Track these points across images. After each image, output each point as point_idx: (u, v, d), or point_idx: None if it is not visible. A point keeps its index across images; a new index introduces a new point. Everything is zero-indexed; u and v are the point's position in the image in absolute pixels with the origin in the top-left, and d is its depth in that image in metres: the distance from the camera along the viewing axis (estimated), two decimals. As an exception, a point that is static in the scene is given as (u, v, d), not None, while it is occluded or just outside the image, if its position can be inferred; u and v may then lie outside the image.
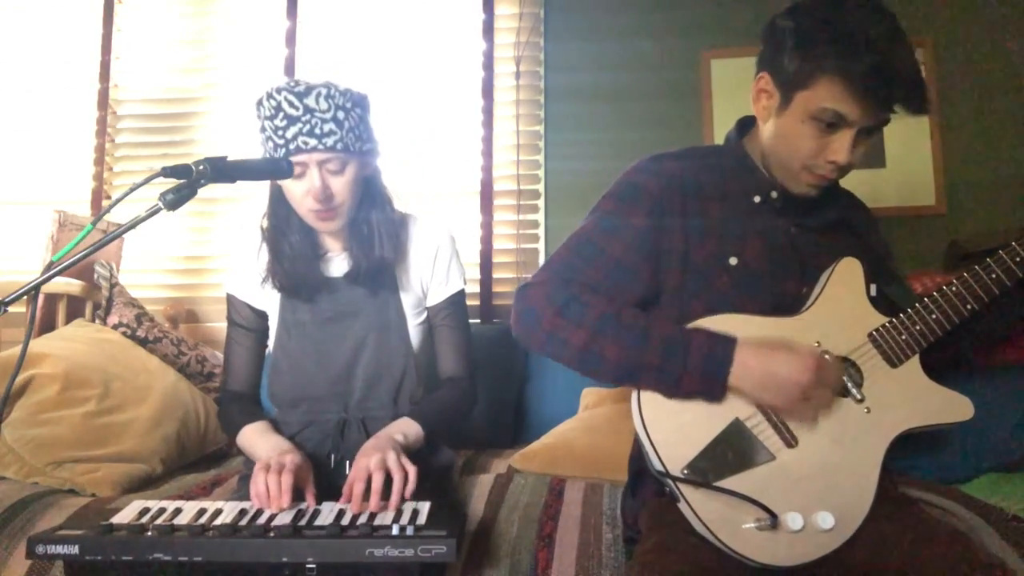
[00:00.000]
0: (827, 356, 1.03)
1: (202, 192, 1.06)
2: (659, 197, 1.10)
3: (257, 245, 1.31)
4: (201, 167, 1.03)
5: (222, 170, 1.06)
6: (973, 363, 1.14)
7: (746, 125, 1.19)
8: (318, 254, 1.31)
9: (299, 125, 1.14)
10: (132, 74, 2.60)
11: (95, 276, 2.03)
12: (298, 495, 1.07)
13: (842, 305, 1.08)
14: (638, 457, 1.16)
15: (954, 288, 1.06)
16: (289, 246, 1.26)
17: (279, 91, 1.15)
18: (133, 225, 1.00)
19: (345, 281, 1.30)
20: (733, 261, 1.09)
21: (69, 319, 2.04)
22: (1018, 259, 1.05)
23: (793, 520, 0.94)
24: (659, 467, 0.98)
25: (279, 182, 1.23)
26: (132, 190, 1.01)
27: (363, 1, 2.55)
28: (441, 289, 1.36)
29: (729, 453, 0.99)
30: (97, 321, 1.98)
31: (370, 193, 1.28)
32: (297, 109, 1.14)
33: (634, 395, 1.03)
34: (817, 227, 1.14)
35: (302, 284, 1.27)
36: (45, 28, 2.63)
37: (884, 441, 1.02)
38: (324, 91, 1.15)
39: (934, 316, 1.06)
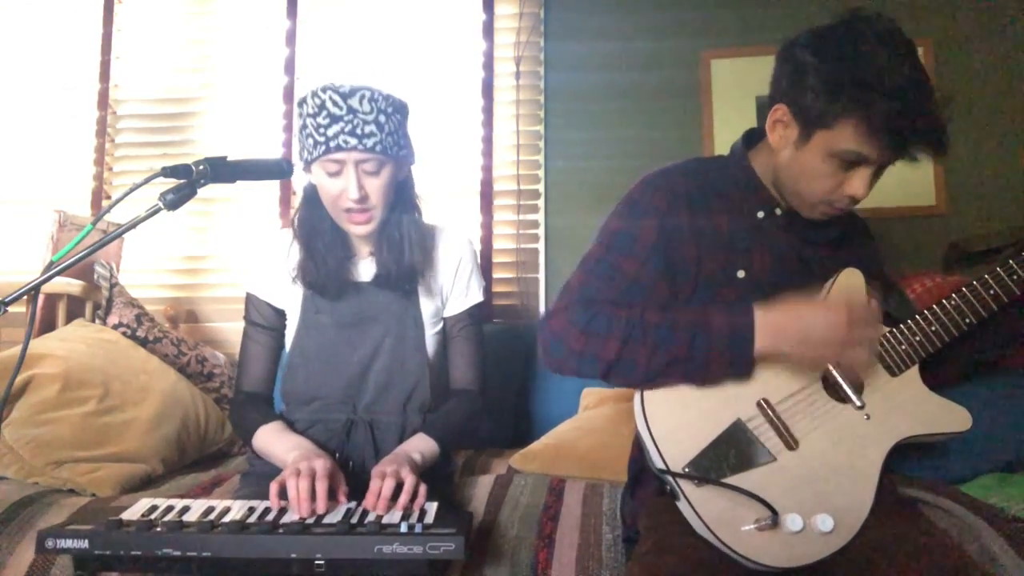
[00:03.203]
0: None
1: (202, 192, 1.06)
2: (667, 212, 1.10)
3: (287, 243, 1.32)
4: (201, 167, 1.04)
5: (222, 170, 1.06)
6: (974, 375, 1.16)
7: (752, 137, 1.18)
8: (348, 255, 1.32)
9: (341, 124, 1.15)
10: (132, 74, 2.60)
11: (95, 276, 2.03)
12: (329, 494, 1.07)
13: None
14: (638, 458, 1.16)
15: (953, 302, 1.09)
16: (322, 244, 1.28)
17: (324, 90, 1.17)
18: (133, 225, 1.00)
19: (370, 286, 1.31)
20: (741, 274, 1.09)
21: (69, 319, 2.04)
22: (1015, 277, 1.07)
23: (793, 521, 0.94)
24: (660, 464, 0.98)
25: (313, 182, 1.25)
26: (132, 190, 1.01)
27: (363, 1, 2.55)
28: (461, 300, 1.37)
29: (730, 453, 0.99)
30: (97, 321, 1.98)
31: (402, 198, 1.30)
32: (341, 109, 1.16)
33: (637, 393, 1.04)
34: (820, 242, 1.15)
35: (331, 282, 1.28)
36: (45, 28, 2.63)
37: (883, 448, 1.03)
38: (368, 94, 1.17)
39: (933, 328, 1.08)
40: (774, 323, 0.98)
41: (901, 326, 1.08)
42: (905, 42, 0.97)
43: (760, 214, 1.13)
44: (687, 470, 0.97)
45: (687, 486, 0.97)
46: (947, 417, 1.07)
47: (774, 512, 0.94)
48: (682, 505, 0.97)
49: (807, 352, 0.98)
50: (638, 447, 1.15)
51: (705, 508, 0.96)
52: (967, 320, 1.08)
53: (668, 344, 0.99)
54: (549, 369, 1.08)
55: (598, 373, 1.03)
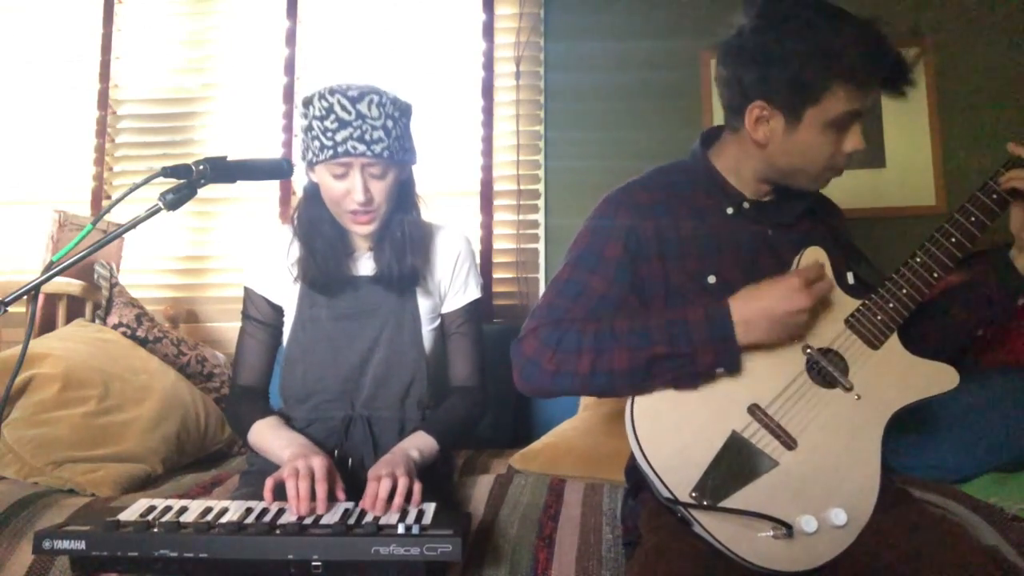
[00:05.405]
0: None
1: (202, 192, 1.06)
2: (633, 227, 1.10)
3: (287, 240, 1.32)
4: (201, 167, 1.04)
5: (222, 170, 1.06)
6: (960, 359, 1.16)
7: (710, 137, 1.19)
8: (348, 252, 1.32)
9: (350, 130, 1.16)
10: (132, 74, 2.60)
11: (95, 276, 2.03)
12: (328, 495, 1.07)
13: None
14: (634, 468, 1.16)
15: (919, 259, 1.07)
16: (323, 242, 1.28)
17: (332, 93, 1.17)
18: (133, 225, 1.00)
19: (368, 280, 1.31)
20: (712, 280, 1.09)
21: (69, 319, 2.04)
22: (973, 219, 1.06)
23: (807, 523, 0.94)
24: (667, 494, 0.98)
25: (315, 182, 1.25)
26: (132, 190, 1.01)
27: (363, 1, 2.55)
28: (458, 297, 1.37)
29: (733, 467, 0.98)
30: (97, 321, 1.98)
31: (404, 198, 1.30)
32: (350, 114, 1.16)
33: (628, 423, 1.02)
34: (791, 223, 1.15)
35: (332, 280, 1.28)
36: (45, 28, 2.63)
37: (880, 424, 1.03)
38: (376, 98, 1.17)
39: (904, 291, 1.06)
40: (744, 312, 0.99)
41: (873, 296, 1.07)
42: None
43: (729, 210, 1.14)
44: (694, 496, 0.97)
45: (697, 511, 0.96)
46: (934, 379, 1.06)
47: (787, 526, 0.93)
48: (697, 530, 0.97)
49: (777, 336, 1.00)
50: (634, 459, 1.15)
51: (719, 529, 0.95)
52: (935, 275, 1.06)
53: (646, 343, 0.99)
54: (524, 392, 1.08)
55: (574, 388, 1.03)
